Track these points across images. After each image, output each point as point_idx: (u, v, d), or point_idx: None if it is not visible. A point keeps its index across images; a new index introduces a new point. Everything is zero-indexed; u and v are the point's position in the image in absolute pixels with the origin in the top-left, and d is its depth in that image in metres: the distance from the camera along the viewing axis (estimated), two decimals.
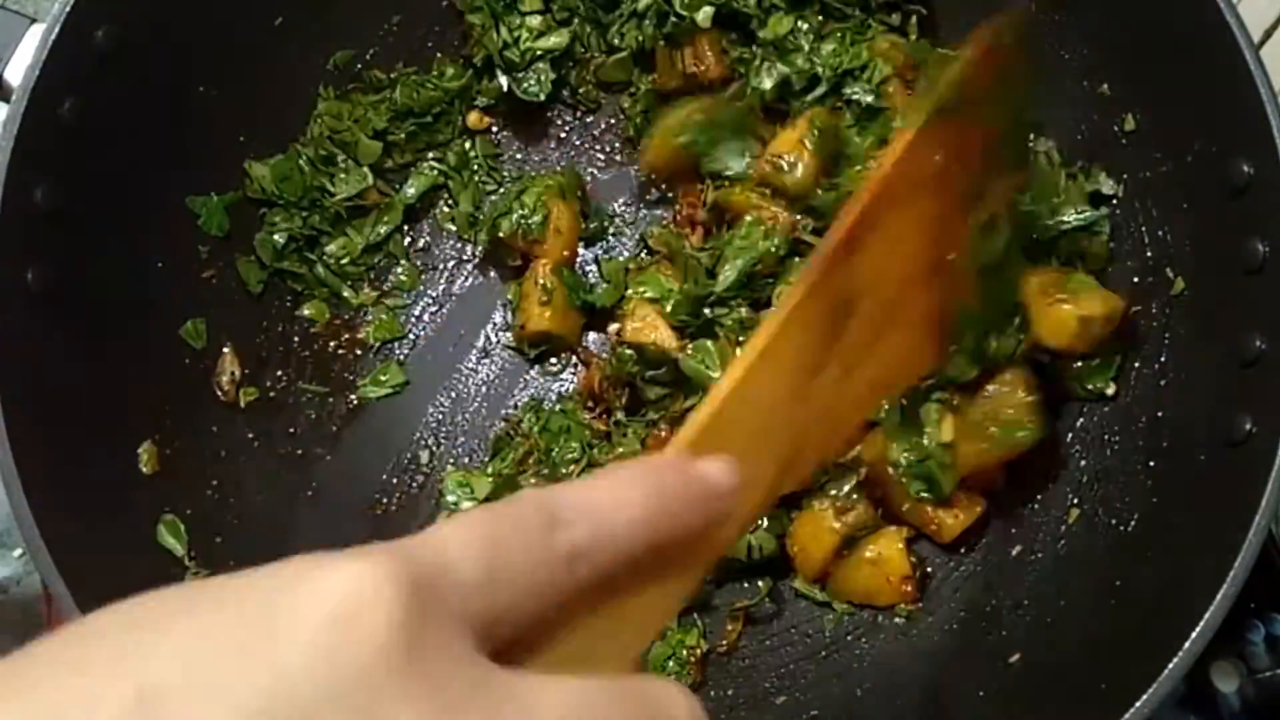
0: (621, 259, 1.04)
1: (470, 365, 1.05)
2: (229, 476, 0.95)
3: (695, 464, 0.48)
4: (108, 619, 0.35)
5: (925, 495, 0.90)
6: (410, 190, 1.05)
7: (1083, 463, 0.92)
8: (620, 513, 0.43)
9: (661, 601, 0.48)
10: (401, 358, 1.05)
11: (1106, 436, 0.91)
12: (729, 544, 0.53)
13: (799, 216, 0.94)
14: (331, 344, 1.05)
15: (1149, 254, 0.90)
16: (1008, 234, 0.76)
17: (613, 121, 1.08)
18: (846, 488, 0.93)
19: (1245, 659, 0.87)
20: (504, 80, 1.03)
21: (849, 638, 0.97)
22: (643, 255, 1.04)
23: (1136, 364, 0.90)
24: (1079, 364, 0.91)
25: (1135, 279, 0.91)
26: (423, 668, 0.34)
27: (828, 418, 0.61)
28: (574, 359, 1.04)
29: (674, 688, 0.41)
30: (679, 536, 0.46)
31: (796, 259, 0.94)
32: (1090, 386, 0.91)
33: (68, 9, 0.82)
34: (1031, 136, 0.78)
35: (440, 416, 1.04)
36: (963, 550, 0.96)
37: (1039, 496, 0.94)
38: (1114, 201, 0.92)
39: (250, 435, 0.98)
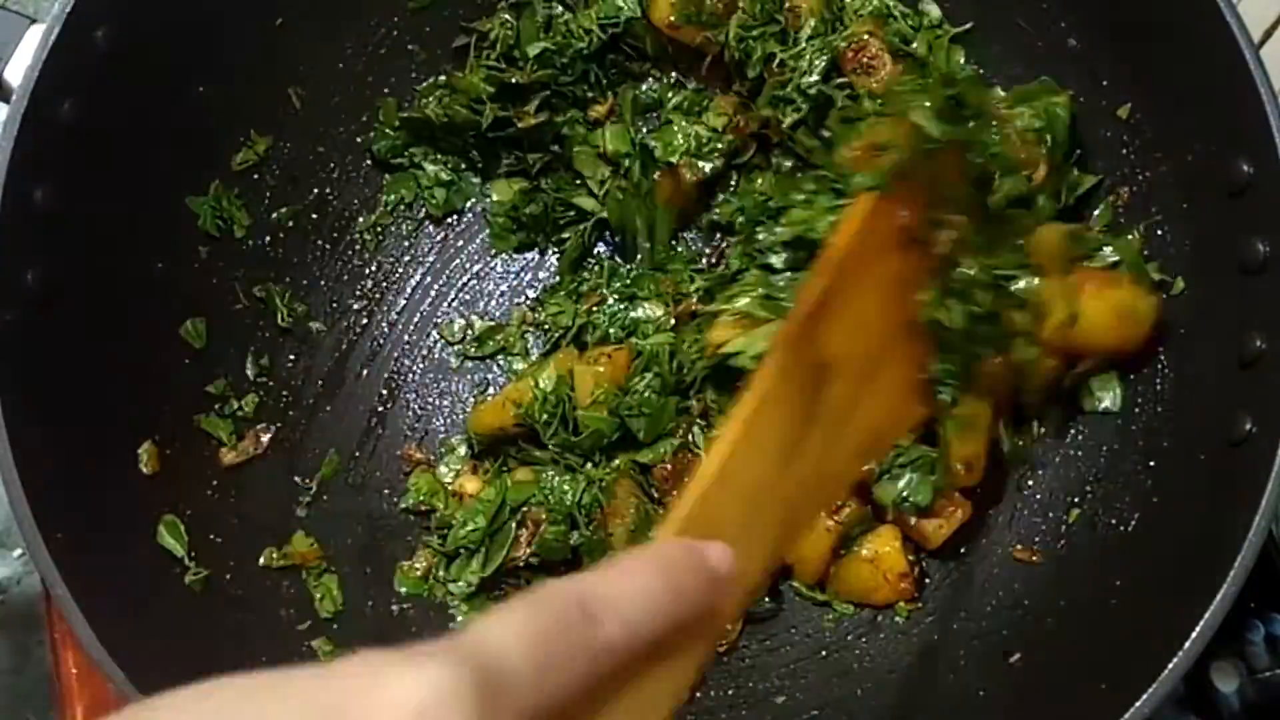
0: None
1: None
2: (229, 477, 0.95)
3: (700, 549, 0.50)
4: (170, 711, 0.37)
5: (905, 506, 0.91)
6: None
7: (1083, 463, 0.93)
8: (646, 603, 0.46)
9: (679, 674, 0.50)
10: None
11: (1107, 437, 0.91)
12: (733, 618, 0.55)
13: None
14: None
15: (1149, 254, 0.90)
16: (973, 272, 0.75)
17: None
18: None
19: (1245, 659, 0.87)
20: None
21: (849, 638, 0.97)
22: None
23: (1136, 370, 0.90)
24: (1088, 372, 0.90)
25: None
26: None
27: (818, 483, 0.63)
28: None
29: None
30: (692, 617, 0.48)
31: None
32: (1097, 397, 0.91)
33: (67, 9, 0.82)
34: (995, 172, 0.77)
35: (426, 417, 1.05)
36: (963, 551, 0.97)
37: (1039, 497, 0.94)
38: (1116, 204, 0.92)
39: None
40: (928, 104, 0.73)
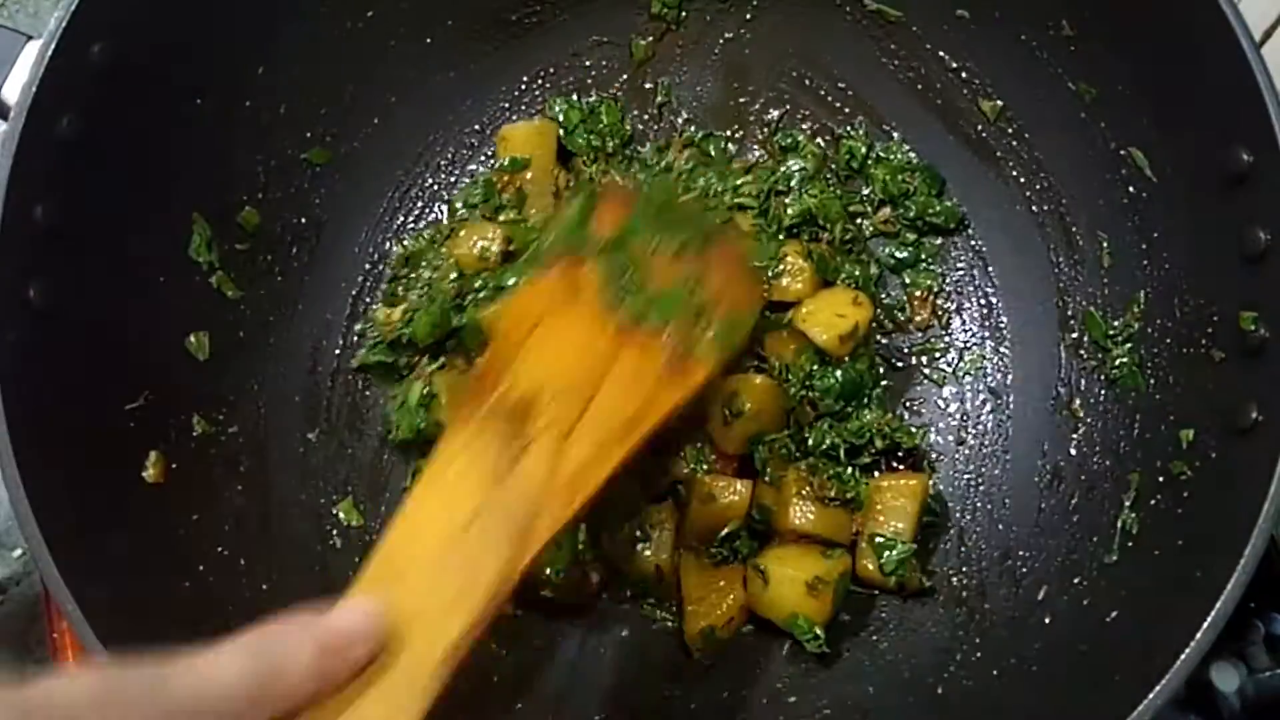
0: None
1: None
2: (235, 490, 0.96)
3: (319, 628, 0.54)
4: None
5: None
6: None
7: (1086, 464, 0.92)
8: (223, 688, 0.51)
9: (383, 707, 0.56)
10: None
11: (1109, 435, 0.91)
12: (453, 655, 0.61)
13: None
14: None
15: (1152, 246, 0.89)
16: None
17: None
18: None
19: (1245, 659, 0.86)
20: None
21: (860, 637, 0.97)
22: None
23: (1141, 357, 0.90)
24: None
25: (1137, 270, 0.90)
26: None
27: (557, 487, 0.69)
28: None
29: None
30: (324, 690, 0.54)
31: None
32: None
33: (64, 25, 0.83)
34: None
35: None
36: (963, 551, 0.96)
37: (1045, 488, 0.94)
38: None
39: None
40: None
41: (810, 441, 0.98)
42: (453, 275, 1.04)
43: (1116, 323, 0.93)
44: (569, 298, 0.79)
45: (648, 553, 0.96)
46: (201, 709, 0.49)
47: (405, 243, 1.08)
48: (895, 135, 1.08)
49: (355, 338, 1.06)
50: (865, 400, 1.00)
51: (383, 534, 0.63)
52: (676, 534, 0.97)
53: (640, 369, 0.77)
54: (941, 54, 1.03)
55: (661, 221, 0.84)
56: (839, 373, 0.98)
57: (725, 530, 0.96)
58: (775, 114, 1.11)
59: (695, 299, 0.81)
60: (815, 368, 0.98)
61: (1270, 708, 0.86)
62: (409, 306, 1.03)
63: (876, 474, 0.99)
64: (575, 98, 1.11)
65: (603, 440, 0.72)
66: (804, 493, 0.94)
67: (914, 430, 1.00)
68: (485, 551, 0.65)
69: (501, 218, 1.07)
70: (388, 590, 0.62)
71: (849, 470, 0.97)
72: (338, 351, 1.06)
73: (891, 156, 1.07)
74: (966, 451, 1.01)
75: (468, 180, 1.11)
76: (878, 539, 0.94)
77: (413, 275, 1.06)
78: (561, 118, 1.10)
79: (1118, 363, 0.92)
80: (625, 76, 1.12)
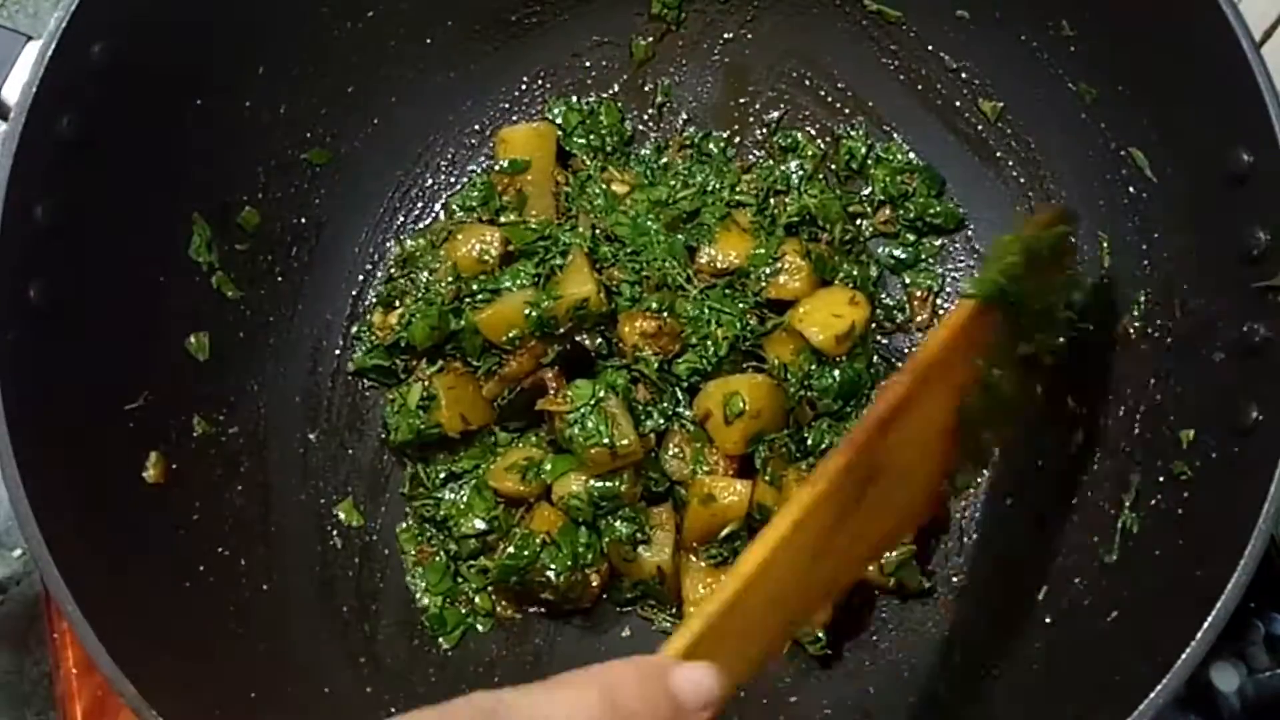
0: None
1: None
2: (235, 490, 0.96)
3: (661, 675, 0.49)
4: None
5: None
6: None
7: (1086, 464, 0.92)
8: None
9: None
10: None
11: (1110, 437, 0.90)
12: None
13: None
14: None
15: (1152, 246, 0.89)
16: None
17: None
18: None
19: (1245, 659, 0.86)
20: None
21: (860, 637, 0.97)
22: None
23: (1141, 361, 0.90)
24: None
25: (1137, 270, 0.90)
26: None
27: (834, 575, 0.64)
28: None
29: None
30: None
31: None
32: None
33: (64, 26, 0.83)
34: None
35: None
36: (963, 551, 0.96)
37: (1040, 504, 0.94)
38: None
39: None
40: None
41: (810, 441, 0.98)
42: (450, 278, 1.04)
43: (1117, 326, 0.92)
44: (966, 358, 0.75)
45: (648, 554, 0.96)
46: None
47: (406, 243, 1.08)
48: (895, 135, 1.08)
49: (355, 339, 1.06)
50: (864, 400, 1.00)
51: (726, 582, 0.57)
52: (677, 535, 0.97)
53: (937, 469, 0.75)
54: (941, 54, 1.03)
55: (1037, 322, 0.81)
56: (836, 372, 0.99)
57: (725, 531, 0.96)
58: (775, 114, 1.11)
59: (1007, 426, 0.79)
60: (813, 367, 0.98)
61: (1270, 708, 0.86)
62: (405, 310, 1.03)
63: None
64: (575, 99, 1.11)
65: (883, 537, 0.70)
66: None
67: None
68: (775, 623, 0.62)
69: (502, 219, 1.07)
70: (712, 654, 0.56)
71: None
72: (338, 352, 1.06)
73: (891, 157, 1.07)
74: None
75: (466, 181, 1.11)
76: None
77: (409, 278, 1.06)
78: (560, 120, 1.10)
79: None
80: (625, 77, 1.12)
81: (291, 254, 1.04)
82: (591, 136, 1.10)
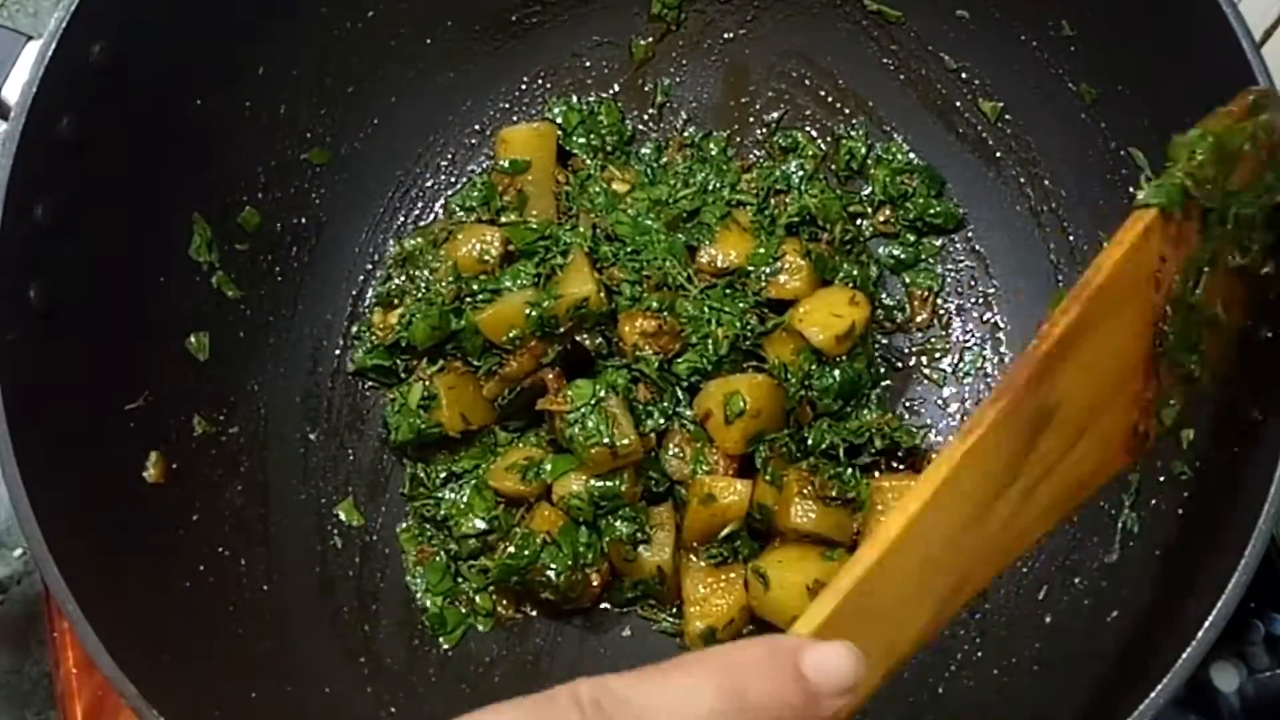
0: None
1: None
2: (235, 490, 0.96)
3: (802, 658, 0.43)
4: None
5: None
6: None
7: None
8: (685, 712, 0.40)
9: None
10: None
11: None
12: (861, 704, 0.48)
13: None
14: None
15: None
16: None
17: None
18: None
19: (1245, 659, 0.86)
20: None
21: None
22: None
23: None
24: None
25: None
26: None
27: (1001, 541, 0.55)
28: None
29: None
30: None
31: None
32: None
33: (64, 26, 0.83)
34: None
35: None
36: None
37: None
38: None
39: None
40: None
41: (810, 441, 0.98)
42: (450, 278, 1.04)
43: None
44: (1152, 282, 0.62)
45: (648, 554, 0.96)
46: None
47: (405, 243, 1.08)
48: (895, 135, 1.08)
49: (355, 339, 1.06)
50: (864, 400, 1.00)
51: (863, 551, 0.49)
52: (677, 535, 0.97)
53: (1124, 421, 0.63)
54: (942, 54, 1.03)
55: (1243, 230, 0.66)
56: (836, 372, 0.99)
57: (725, 531, 0.96)
58: (775, 114, 1.11)
59: (1210, 371, 0.67)
60: (813, 367, 0.98)
61: (1270, 708, 0.86)
62: (406, 310, 1.03)
63: (877, 474, 0.99)
64: (575, 99, 1.11)
65: (1056, 500, 0.58)
66: (805, 492, 0.94)
67: (914, 430, 1.01)
68: (939, 593, 0.52)
69: (502, 220, 1.07)
70: (856, 632, 0.47)
71: (849, 470, 0.97)
72: (338, 352, 1.06)
73: (891, 157, 1.07)
74: None
75: (466, 181, 1.11)
76: None
77: (409, 277, 1.06)
78: (560, 119, 1.10)
79: None
80: (625, 77, 1.12)
81: (291, 254, 1.04)
82: (591, 136, 1.10)
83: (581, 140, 1.10)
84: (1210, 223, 0.65)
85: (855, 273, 1.03)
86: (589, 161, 1.09)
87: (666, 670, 0.41)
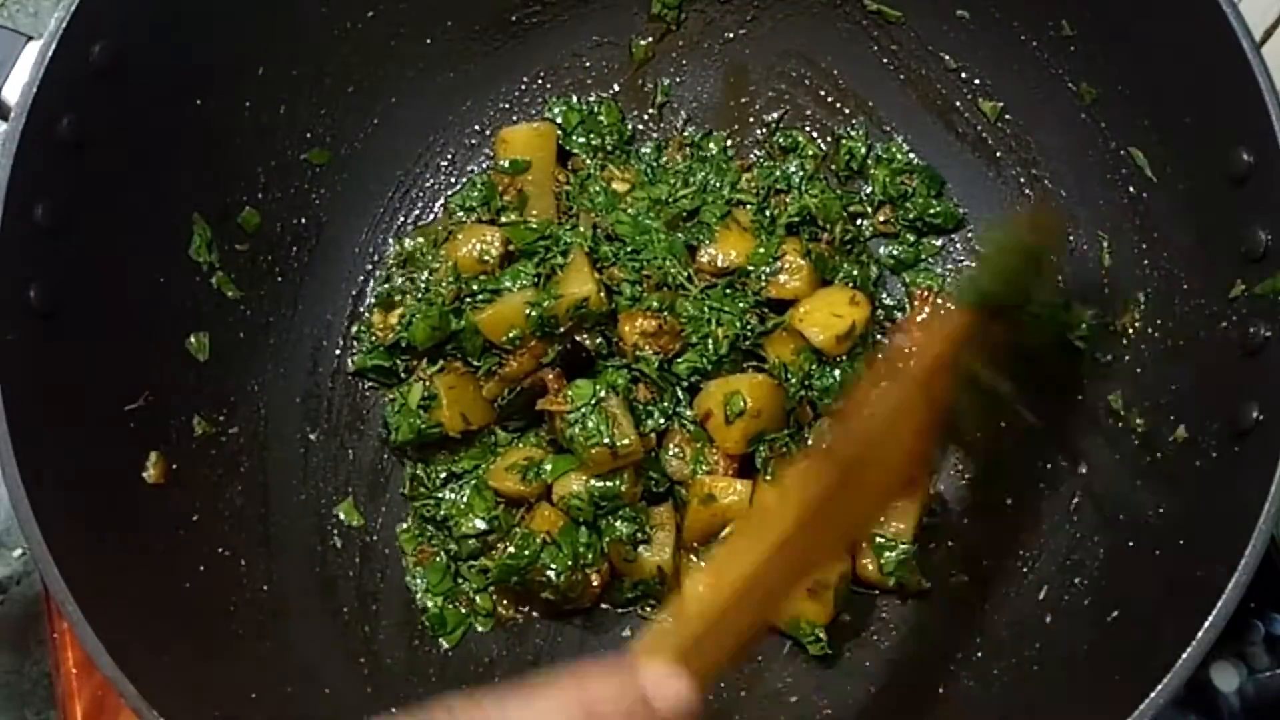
0: None
1: None
2: (235, 490, 0.96)
3: (645, 686, 0.52)
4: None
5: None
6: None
7: (1086, 467, 0.92)
8: None
9: None
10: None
11: (1110, 438, 0.90)
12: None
13: None
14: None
15: (1152, 246, 0.89)
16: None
17: None
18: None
19: (1245, 659, 0.86)
20: None
21: (861, 637, 0.96)
22: None
23: (1142, 362, 0.90)
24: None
25: (1137, 270, 0.90)
26: None
27: (803, 572, 0.67)
28: None
29: None
30: None
31: None
32: None
33: (64, 26, 0.83)
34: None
35: None
36: (963, 552, 0.96)
37: (1041, 504, 0.94)
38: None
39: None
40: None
41: (811, 441, 0.98)
42: (450, 278, 1.04)
43: (1117, 323, 0.92)
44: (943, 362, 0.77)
45: (648, 554, 0.96)
46: None
47: (405, 242, 1.08)
48: (895, 135, 1.08)
49: (354, 339, 1.06)
50: None
51: (691, 580, 0.64)
52: (677, 535, 0.97)
53: (906, 469, 0.78)
54: (942, 54, 1.03)
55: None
56: (837, 372, 0.99)
57: (726, 531, 0.96)
58: (775, 114, 1.11)
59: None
60: (813, 367, 0.98)
61: (1270, 708, 0.86)
62: (406, 310, 1.03)
63: None
64: (575, 99, 1.11)
65: (844, 535, 0.73)
66: None
67: None
68: (755, 616, 0.64)
69: (503, 219, 1.07)
70: (687, 657, 0.58)
71: None
72: (338, 352, 1.06)
73: (891, 157, 1.07)
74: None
75: (466, 181, 1.11)
76: (878, 539, 0.94)
77: (409, 278, 1.06)
78: (561, 119, 1.10)
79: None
80: (625, 77, 1.12)
81: (291, 254, 1.04)
82: (591, 136, 1.10)
83: (581, 140, 1.10)
84: (997, 315, 0.79)
85: (855, 273, 1.03)
86: (589, 161, 1.09)
87: (529, 691, 0.49)
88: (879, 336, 1.05)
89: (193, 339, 0.95)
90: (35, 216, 0.82)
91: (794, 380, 0.98)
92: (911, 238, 1.07)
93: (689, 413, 0.98)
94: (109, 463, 0.86)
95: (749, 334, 0.99)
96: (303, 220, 1.04)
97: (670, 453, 0.98)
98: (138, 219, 0.90)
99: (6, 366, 0.79)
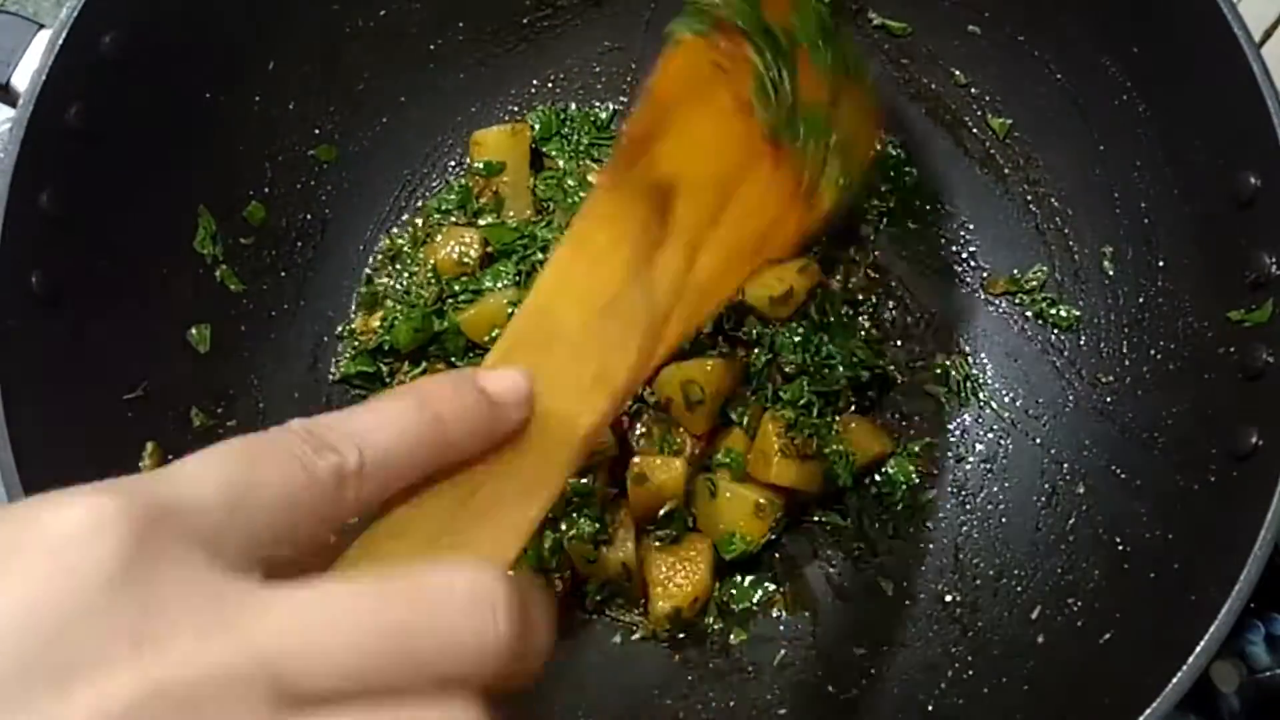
0: None
1: None
2: None
3: (480, 380, 0.51)
4: None
5: None
6: None
7: (1087, 479, 0.92)
8: (390, 436, 0.46)
9: (515, 509, 0.52)
10: None
11: (1110, 454, 0.90)
12: (589, 441, 0.57)
13: None
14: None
15: (1155, 267, 0.89)
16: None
17: None
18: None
19: (1245, 659, 0.86)
20: None
21: (851, 652, 0.96)
22: None
23: (1141, 383, 0.89)
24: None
25: (1140, 294, 0.90)
26: (140, 588, 0.37)
27: (690, 291, 0.66)
28: None
29: (459, 573, 0.42)
30: (475, 448, 0.50)
31: None
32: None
33: (74, 15, 0.83)
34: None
35: None
36: (957, 568, 0.96)
37: (1042, 507, 0.93)
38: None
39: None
40: None
41: (786, 396, 0.98)
42: (430, 281, 1.04)
43: (1120, 343, 0.92)
44: (722, 77, 0.74)
45: (610, 552, 0.95)
46: (372, 465, 0.46)
47: (397, 240, 1.08)
48: (901, 150, 1.08)
49: (339, 339, 1.06)
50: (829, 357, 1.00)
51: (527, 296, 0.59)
52: (636, 529, 0.96)
53: (773, 184, 0.74)
54: (952, 69, 1.03)
55: (822, 34, 0.79)
56: (801, 330, 0.99)
57: (665, 509, 0.95)
58: None
59: (829, 128, 0.77)
60: (765, 330, 0.99)
61: (1270, 708, 0.85)
62: (388, 313, 1.03)
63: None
64: (550, 105, 1.11)
65: (731, 254, 0.69)
66: (785, 451, 0.95)
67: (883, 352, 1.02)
68: (622, 339, 0.61)
69: (481, 221, 1.07)
70: (533, 360, 0.57)
71: (825, 420, 0.98)
72: (338, 348, 1.06)
73: (896, 171, 1.07)
74: (966, 468, 1.01)
75: (442, 185, 1.11)
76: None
77: (390, 280, 1.06)
78: (537, 126, 1.10)
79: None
80: (635, 83, 1.12)
81: (296, 249, 1.04)
82: (565, 129, 1.10)
83: (556, 138, 1.09)
84: (754, 38, 0.76)
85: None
86: (564, 164, 1.09)
87: (370, 401, 0.49)
88: (880, 352, 1.04)
89: (194, 330, 0.95)
90: (41, 203, 0.82)
91: (760, 349, 0.98)
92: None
93: (653, 398, 0.98)
94: (106, 451, 0.86)
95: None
96: (308, 216, 1.04)
97: (638, 431, 0.97)
98: (143, 209, 0.90)
99: (7, 355, 0.79)
